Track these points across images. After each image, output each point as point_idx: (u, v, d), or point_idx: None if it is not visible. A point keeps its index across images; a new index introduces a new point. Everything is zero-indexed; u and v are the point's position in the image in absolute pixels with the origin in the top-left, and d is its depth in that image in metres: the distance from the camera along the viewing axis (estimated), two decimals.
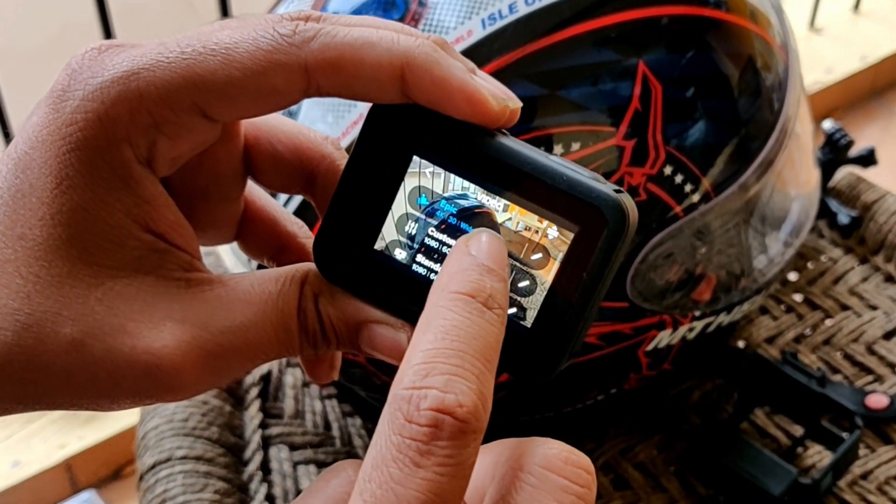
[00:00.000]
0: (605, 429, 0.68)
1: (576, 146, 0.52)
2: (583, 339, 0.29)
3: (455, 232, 0.29)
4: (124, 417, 1.24)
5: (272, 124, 0.33)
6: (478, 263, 0.27)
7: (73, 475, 1.23)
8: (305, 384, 0.71)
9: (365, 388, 0.63)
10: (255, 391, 0.69)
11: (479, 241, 0.28)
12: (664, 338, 0.59)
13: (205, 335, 0.28)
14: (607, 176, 0.52)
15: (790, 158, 0.61)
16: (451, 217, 0.29)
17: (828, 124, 0.81)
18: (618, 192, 0.28)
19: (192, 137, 0.29)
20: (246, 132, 0.32)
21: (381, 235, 0.30)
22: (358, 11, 0.54)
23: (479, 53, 0.51)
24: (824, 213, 0.82)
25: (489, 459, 0.28)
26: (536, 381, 0.29)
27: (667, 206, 0.54)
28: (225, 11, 1.17)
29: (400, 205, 0.30)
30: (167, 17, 1.94)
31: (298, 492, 0.65)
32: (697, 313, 0.59)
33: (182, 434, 0.64)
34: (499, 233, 0.29)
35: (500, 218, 0.29)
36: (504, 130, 0.30)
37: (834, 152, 0.81)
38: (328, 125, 0.54)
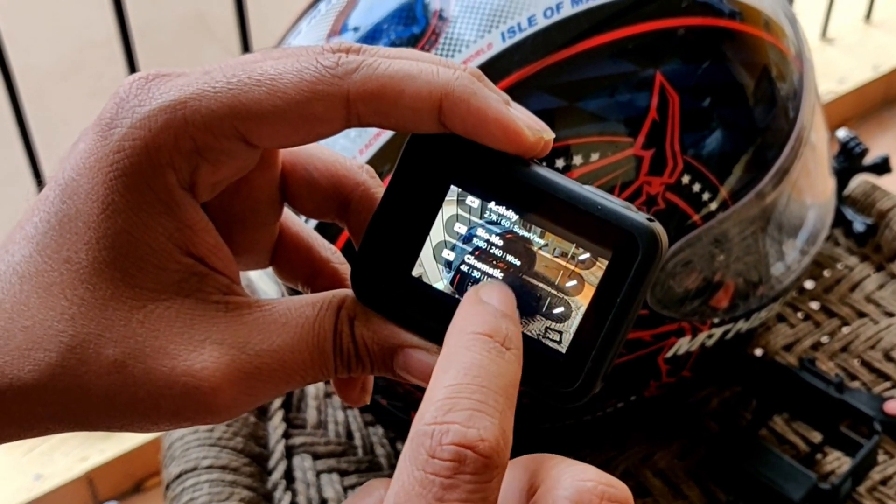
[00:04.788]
0: (624, 437, 0.68)
1: (595, 157, 0.52)
2: (614, 363, 0.30)
3: (491, 259, 0.30)
4: None
5: (309, 152, 0.33)
6: (493, 308, 0.28)
7: (95, 488, 1.24)
8: (328, 395, 0.71)
9: (387, 397, 0.64)
10: (278, 402, 0.70)
11: (489, 290, 0.29)
12: (683, 345, 0.59)
13: (243, 357, 0.29)
14: (626, 186, 0.53)
15: (806, 167, 0.62)
16: (488, 244, 0.30)
17: (842, 133, 0.82)
18: (650, 220, 0.29)
19: (234, 163, 0.30)
20: (283, 159, 0.33)
21: (418, 262, 0.31)
22: (379, 26, 0.55)
23: (498, 66, 0.52)
24: (840, 221, 0.82)
25: (519, 475, 0.28)
26: (570, 404, 0.30)
27: (685, 214, 0.55)
28: (244, 30, 1.18)
29: (437, 232, 0.30)
30: (183, 37, 1.96)
31: (322, 501, 0.65)
32: (716, 320, 0.60)
33: (207, 444, 0.65)
34: (535, 260, 0.30)
35: (535, 244, 0.30)
36: (537, 161, 0.30)
37: (848, 160, 0.81)
38: (351, 140, 0.55)
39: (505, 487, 0.28)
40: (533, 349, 0.30)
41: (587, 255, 0.29)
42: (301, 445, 0.68)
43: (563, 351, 0.29)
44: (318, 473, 0.67)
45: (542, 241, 0.29)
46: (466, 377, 0.26)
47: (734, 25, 0.56)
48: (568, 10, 0.53)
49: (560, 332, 0.29)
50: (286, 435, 0.68)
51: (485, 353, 0.27)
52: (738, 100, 0.56)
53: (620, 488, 0.27)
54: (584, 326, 0.29)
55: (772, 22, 0.59)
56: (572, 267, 0.29)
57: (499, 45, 0.52)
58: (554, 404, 0.27)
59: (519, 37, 0.52)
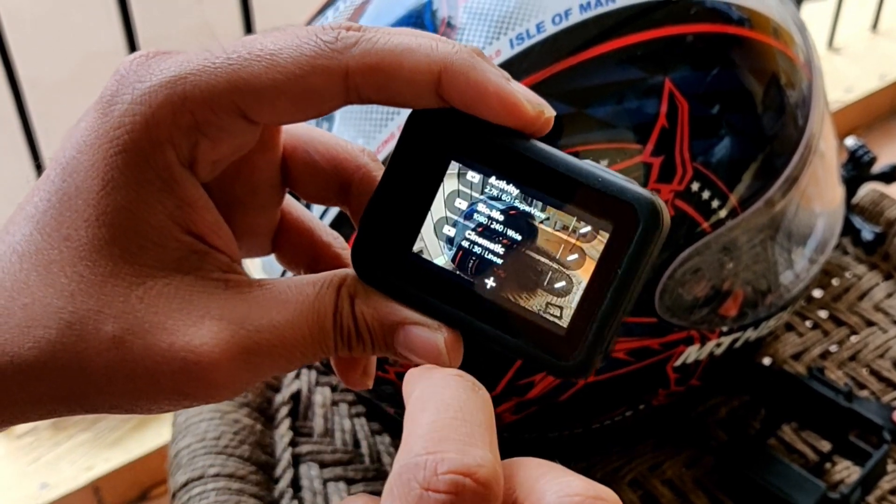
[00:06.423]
0: (633, 445, 0.68)
1: (603, 164, 0.52)
2: (616, 338, 0.30)
3: (493, 234, 0.30)
4: (151, 439, 1.24)
5: (310, 135, 0.33)
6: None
7: (101, 497, 1.23)
8: (335, 403, 0.71)
9: (394, 405, 0.64)
10: (285, 410, 0.70)
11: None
12: (692, 353, 0.59)
13: (242, 332, 0.29)
14: None
15: (815, 175, 0.62)
16: (489, 219, 0.30)
17: (850, 141, 0.82)
18: (651, 192, 0.29)
19: (233, 140, 0.30)
20: (284, 142, 0.33)
21: (419, 238, 0.31)
22: None
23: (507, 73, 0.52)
24: (848, 229, 0.82)
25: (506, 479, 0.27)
26: (571, 378, 0.30)
27: (694, 221, 0.54)
28: None
29: (438, 208, 0.30)
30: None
31: None
32: (725, 329, 0.60)
33: (214, 452, 0.65)
34: (536, 234, 0.30)
35: (537, 219, 0.30)
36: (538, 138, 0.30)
37: (857, 169, 0.81)
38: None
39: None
40: (534, 324, 0.30)
41: (588, 229, 0.29)
42: (308, 454, 0.68)
43: (565, 326, 0.29)
44: (325, 482, 0.67)
45: (543, 216, 0.29)
46: (449, 411, 0.26)
47: (743, 32, 0.56)
48: (576, 17, 0.53)
49: (561, 308, 0.29)
50: (293, 443, 0.68)
51: (461, 391, 0.27)
52: (747, 107, 0.56)
53: (610, 500, 0.25)
54: (584, 301, 0.29)
55: (780, 29, 0.59)
56: (573, 241, 0.29)
57: (507, 52, 0.52)
58: (555, 377, 0.27)
59: (527, 43, 0.52)
